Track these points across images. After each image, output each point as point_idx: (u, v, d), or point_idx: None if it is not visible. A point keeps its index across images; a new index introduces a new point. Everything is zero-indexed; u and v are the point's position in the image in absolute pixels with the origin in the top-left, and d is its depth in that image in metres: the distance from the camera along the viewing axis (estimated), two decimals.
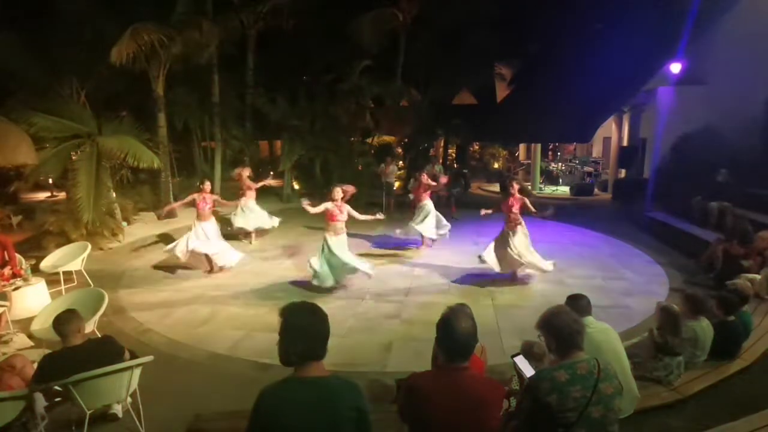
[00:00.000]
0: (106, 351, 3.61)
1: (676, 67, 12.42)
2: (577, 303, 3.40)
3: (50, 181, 14.77)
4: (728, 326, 4.36)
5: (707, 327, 4.14)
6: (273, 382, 1.94)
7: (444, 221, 9.55)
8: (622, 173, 16.33)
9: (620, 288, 7.16)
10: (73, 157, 10.22)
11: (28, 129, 8.57)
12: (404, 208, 11.68)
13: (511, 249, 7.18)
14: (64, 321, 3.49)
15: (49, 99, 9.66)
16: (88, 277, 7.36)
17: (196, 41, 11.18)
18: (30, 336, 5.32)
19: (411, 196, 10.25)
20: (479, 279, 7.70)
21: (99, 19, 10.23)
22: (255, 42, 14.41)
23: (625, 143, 16.36)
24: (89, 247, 7.53)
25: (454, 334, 2.19)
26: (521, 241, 7.28)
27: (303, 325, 1.97)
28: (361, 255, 9.07)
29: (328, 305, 6.56)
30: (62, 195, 12.67)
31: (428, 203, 9.50)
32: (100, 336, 3.83)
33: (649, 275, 7.81)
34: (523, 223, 7.39)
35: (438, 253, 9.19)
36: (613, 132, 17.02)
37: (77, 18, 10.03)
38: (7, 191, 11.77)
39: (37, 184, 14.14)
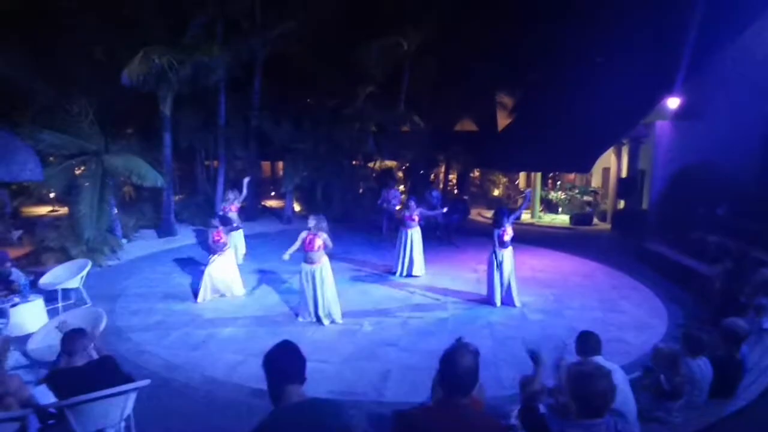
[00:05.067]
0: (107, 370, 3.61)
1: (673, 102, 12.67)
2: (587, 341, 3.39)
3: (52, 195, 14.86)
4: (732, 364, 4.32)
5: (705, 366, 4.13)
6: (257, 423, 2.00)
7: (419, 263, 9.31)
8: (621, 204, 16.44)
9: (619, 321, 7.14)
10: (77, 173, 10.32)
11: (36, 145, 8.67)
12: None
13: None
14: (72, 338, 3.50)
15: (58, 116, 9.81)
16: (86, 295, 7.35)
17: (205, 64, 11.41)
18: (25, 354, 5.29)
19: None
20: (478, 307, 7.70)
21: (110, 38, 10.47)
22: (262, 66, 14.71)
23: (624, 174, 16.51)
24: (89, 264, 7.54)
25: (455, 369, 2.21)
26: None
27: (275, 363, 2.15)
28: (359, 280, 9.12)
29: (325, 331, 6.58)
30: (64, 210, 12.73)
31: (410, 234, 9.18)
32: (99, 356, 3.82)
33: (648, 309, 7.80)
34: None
35: (437, 280, 9.19)
36: (612, 163, 17.19)
37: (89, 37, 10.26)
38: (11, 205, 11.84)
39: (39, 199, 14.21)
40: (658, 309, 7.80)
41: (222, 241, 7.80)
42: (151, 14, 10.63)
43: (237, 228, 9.35)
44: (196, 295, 7.82)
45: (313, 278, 6.69)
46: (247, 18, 13.50)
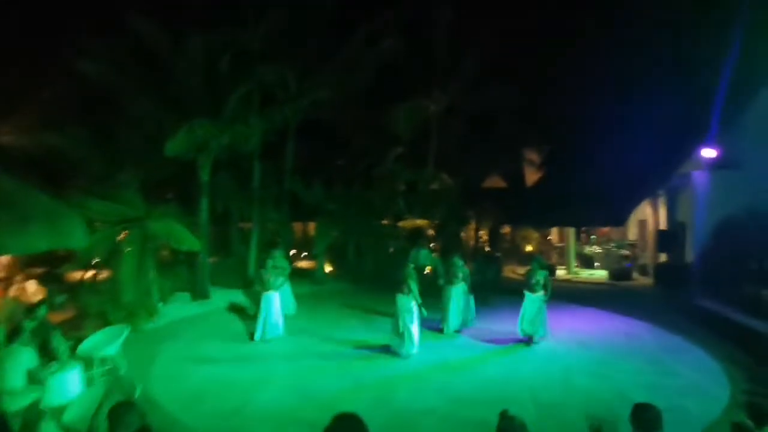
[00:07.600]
0: None
1: (709, 153, 12.38)
2: (646, 416, 2.92)
3: (96, 259, 15.40)
4: None
5: None
6: None
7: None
8: (662, 257, 15.77)
9: (675, 387, 6.60)
10: (120, 238, 10.73)
11: (84, 213, 9.13)
12: (436, 291, 11.47)
13: None
14: (119, 413, 3.43)
15: (106, 185, 10.39)
16: (121, 362, 7.36)
17: (242, 133, 12.02)
18: (61, 426, 5.25)
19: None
20: (517, 369, 7.35)
21: (157, 114, 11.24)
22: (294, 131, 15.37)
23: (662, 226, 15.97)
24: (127, 330, 7.63)
25: None
26: None
27: None
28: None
29: (360, 397, 6.32)
30: (105, 274, 13.11)
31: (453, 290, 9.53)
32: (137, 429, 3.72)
33: (705, 373, 7.21)
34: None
35: (474, 340, 8.86)
36: (648, 215, 16.72)
37: (139, 114, 11.07)
38: (56, 272, 12.30)
39: (83, 263, 14.71)
40: (716, 372, 7.23)
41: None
42: (194, 91, 11.43)
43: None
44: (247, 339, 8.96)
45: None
46: (282, 89, 14.31)
